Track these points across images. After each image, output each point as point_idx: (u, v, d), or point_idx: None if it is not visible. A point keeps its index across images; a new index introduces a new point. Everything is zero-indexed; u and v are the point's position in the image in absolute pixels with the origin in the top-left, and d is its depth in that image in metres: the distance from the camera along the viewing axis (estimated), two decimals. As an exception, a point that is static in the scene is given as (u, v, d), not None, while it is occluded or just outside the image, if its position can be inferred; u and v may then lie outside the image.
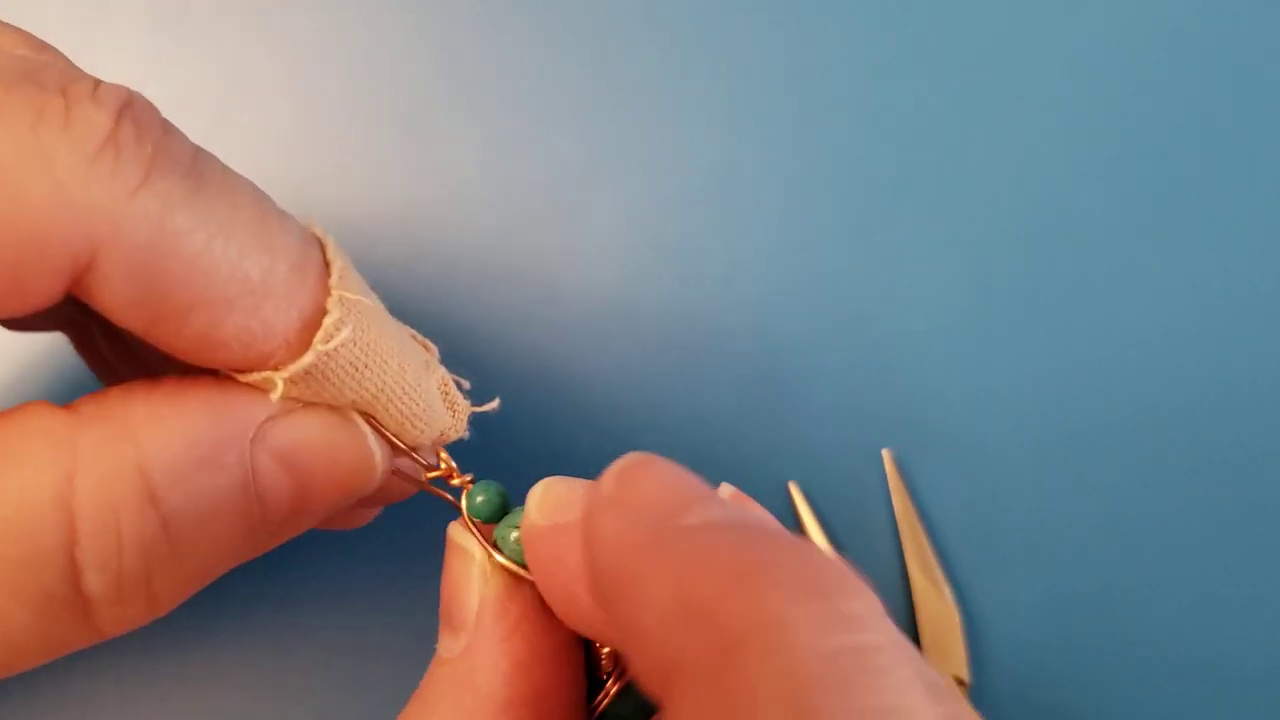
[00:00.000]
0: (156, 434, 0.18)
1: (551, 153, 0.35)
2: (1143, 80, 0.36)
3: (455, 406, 0.23)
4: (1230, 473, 0.33)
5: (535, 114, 0.35)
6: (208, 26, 0.35)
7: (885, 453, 0.33)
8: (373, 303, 0.21)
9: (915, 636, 0.31)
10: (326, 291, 0.20)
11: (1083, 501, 0.33)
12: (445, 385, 0.23)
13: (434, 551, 0.23)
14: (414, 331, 0.24)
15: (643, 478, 0.18)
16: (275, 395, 0.20)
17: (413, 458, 0.23)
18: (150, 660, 0.31)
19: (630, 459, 0.19)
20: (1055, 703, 0.31)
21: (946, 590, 0.32)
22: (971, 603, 0.32)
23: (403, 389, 0.22)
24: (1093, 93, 0.36)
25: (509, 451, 0.29)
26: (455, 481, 0.24)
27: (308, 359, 0.20)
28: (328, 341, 0.20)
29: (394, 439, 0.22)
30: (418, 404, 0.22)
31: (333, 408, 0.21)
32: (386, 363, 0.21)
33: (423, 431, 0.22)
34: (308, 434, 0.20)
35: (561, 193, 0.34)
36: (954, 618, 0.31)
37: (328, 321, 0.20)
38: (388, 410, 0.22)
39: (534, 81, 0.35)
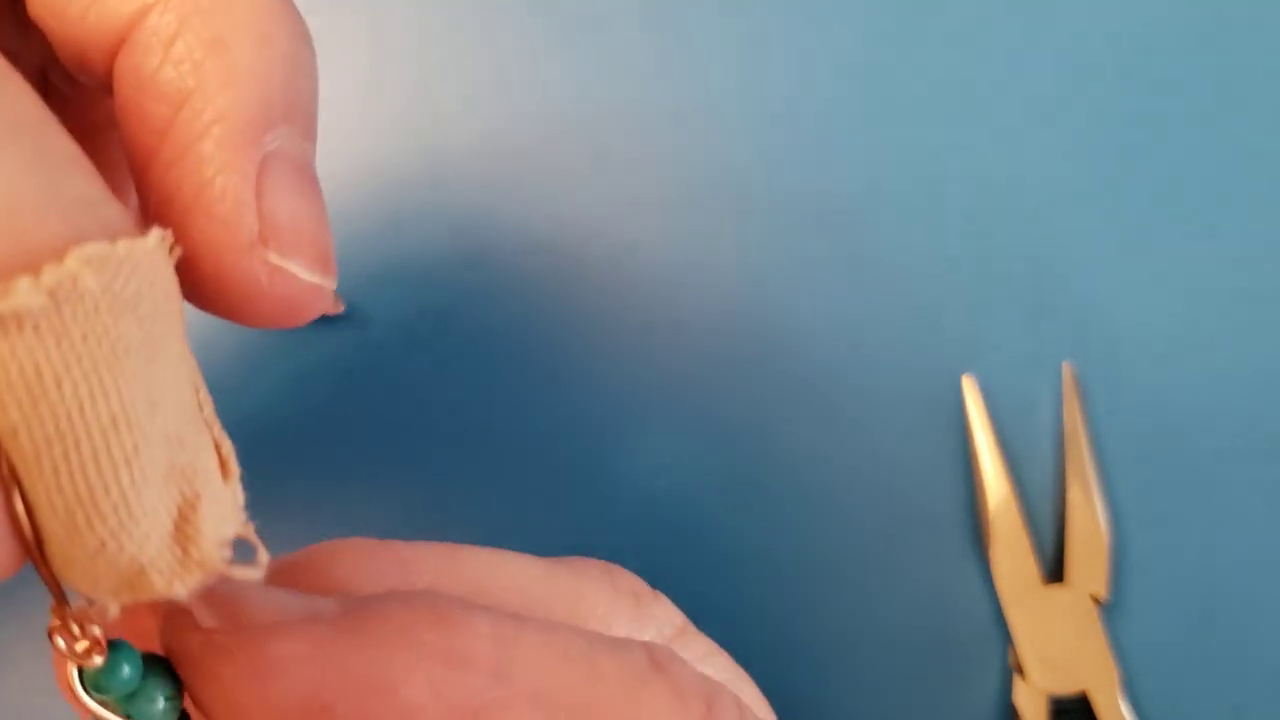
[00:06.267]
0: None
1: (551, 148, 0.35)
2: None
3: (192, 542, 0.14)
4: None
5: (536, 111, 0.35)
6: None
7: (1066, 365, 0.32)
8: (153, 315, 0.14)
9: (1061, 546, 0.31)
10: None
11: (1260, 442, 0.32)
12: (190, 507, 0.14)
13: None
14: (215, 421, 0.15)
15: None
16: None
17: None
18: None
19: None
20: (1189, 632, 0.30)
21: (1100, 508, 0.31)
22: (1124, 524, 0.31)
23: (108, 453, 0.13)
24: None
25: (510, 448, 0.32)
26: (80, 648, 0.15)
27: None
28: (8, 297, 0.12)
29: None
30: (116, 491, 0.13)
31: None
32: (106, 398, 0.13)
33: (108, 541, 0.14)
34: None
35: (560, 188, 0.35)
36: (1102, 536, 0.30)
37: (57, 266, 0.13)
38: (55, 477, 0.13)
39: (537, 77, 0.36)
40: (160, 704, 0.16)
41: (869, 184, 0.35)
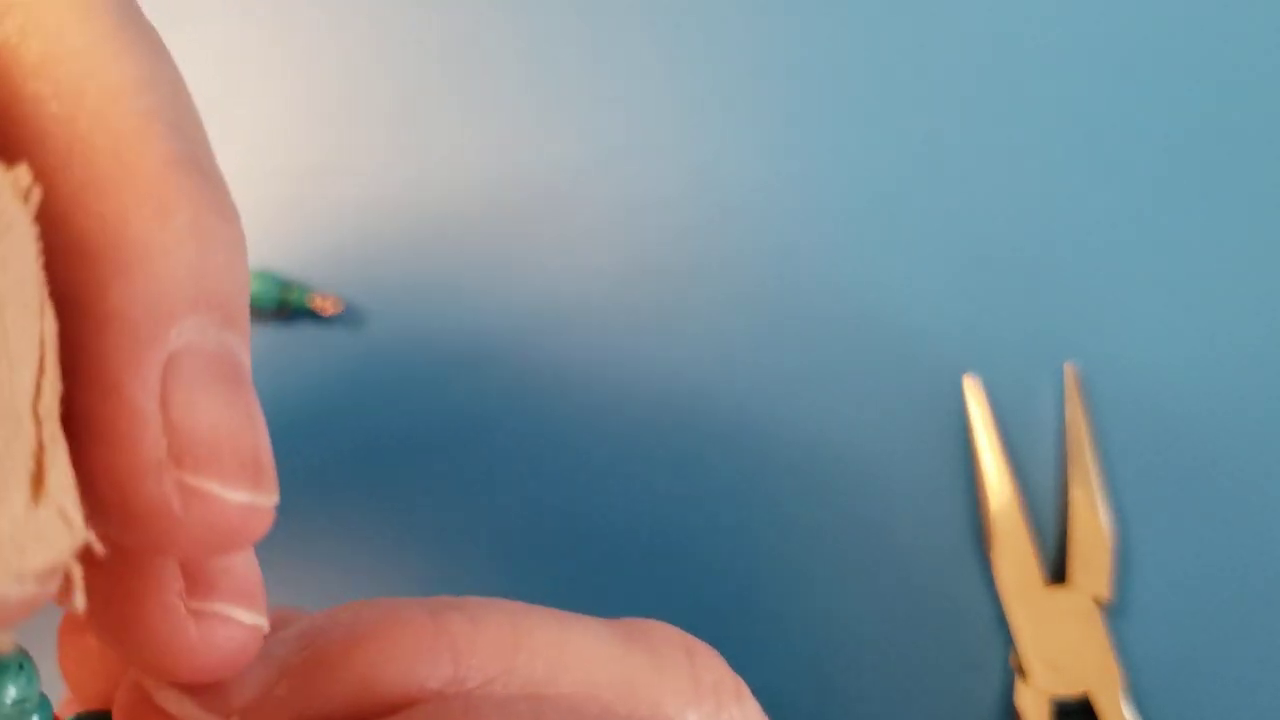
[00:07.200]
0: None
1: (548, 145, 0.35)
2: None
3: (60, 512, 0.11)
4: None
5: (532, 106, 0.35)
6: (205, 19, 0.36)
7: (1068, 365, 0.32)
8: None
9: (1063, 547, 0.31)
10: None
11: (1262, 443, 0.32)
12: (38, 458, 0.11)
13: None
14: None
15: None
16: None
17: None
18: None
19: None
20: (1191, 633, 0.30)
21: (1102, 509, 0.31)
22: (1127, 525, 0.31)
23: None
24: None
25: (509, 448, 0.31)
26: None
27: None
28: None
29: None
30: None
31: None
32: None
33: None
34: None
35: (558, 185, 0.34)
36: (1105, 537, 0.30)
37: None
38: None
39: (531, 73, 0.36)
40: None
41: (867, 183, 0.34)
